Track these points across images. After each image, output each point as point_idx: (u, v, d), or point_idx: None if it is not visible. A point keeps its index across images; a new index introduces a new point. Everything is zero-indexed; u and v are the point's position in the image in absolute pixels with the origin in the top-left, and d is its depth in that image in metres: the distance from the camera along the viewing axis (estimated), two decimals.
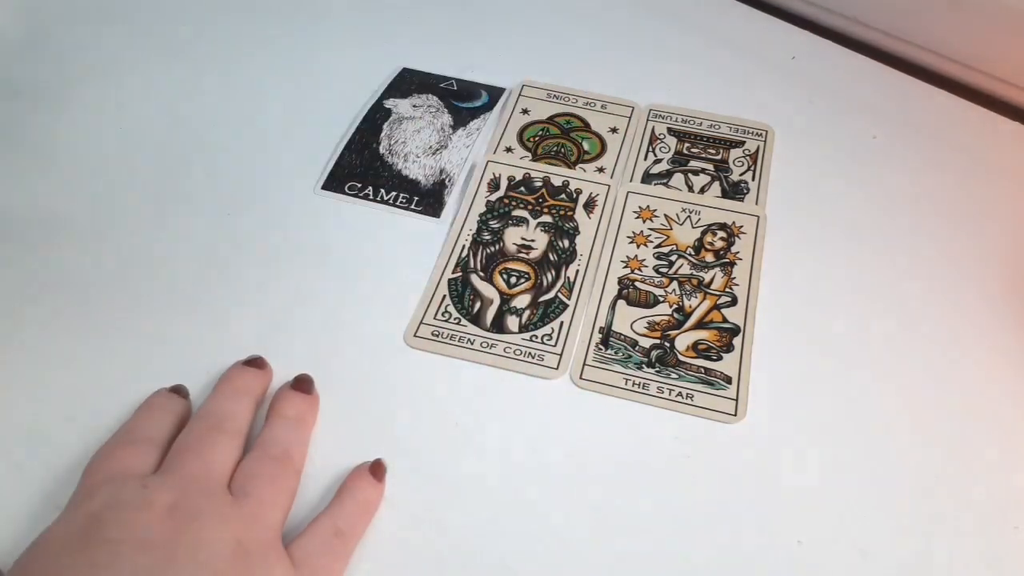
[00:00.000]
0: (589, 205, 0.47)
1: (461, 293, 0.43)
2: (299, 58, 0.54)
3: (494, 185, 0.47)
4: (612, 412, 0.39)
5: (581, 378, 0.40)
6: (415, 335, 0.41)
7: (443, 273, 0.43)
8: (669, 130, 0.51)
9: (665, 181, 0.48)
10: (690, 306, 0.42)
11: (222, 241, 0.44)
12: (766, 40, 0.56)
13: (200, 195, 0.46)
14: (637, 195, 0.47)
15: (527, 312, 0.42)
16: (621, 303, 0.42)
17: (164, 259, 0.43)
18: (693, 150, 0.50)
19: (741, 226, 0.46)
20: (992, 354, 0.41)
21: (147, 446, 0.34)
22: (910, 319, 0.42)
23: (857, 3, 0.55)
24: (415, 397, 0.39)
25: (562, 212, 0.46)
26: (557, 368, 0.40)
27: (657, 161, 0.49)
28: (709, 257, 0.44)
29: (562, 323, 0.41)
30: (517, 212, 0.46)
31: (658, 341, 0.41)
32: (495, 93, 0.52)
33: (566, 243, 0.45)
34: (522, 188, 0.47)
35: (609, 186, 0.47)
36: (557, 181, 0.48)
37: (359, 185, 0.47)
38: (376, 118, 0.51)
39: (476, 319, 0.41)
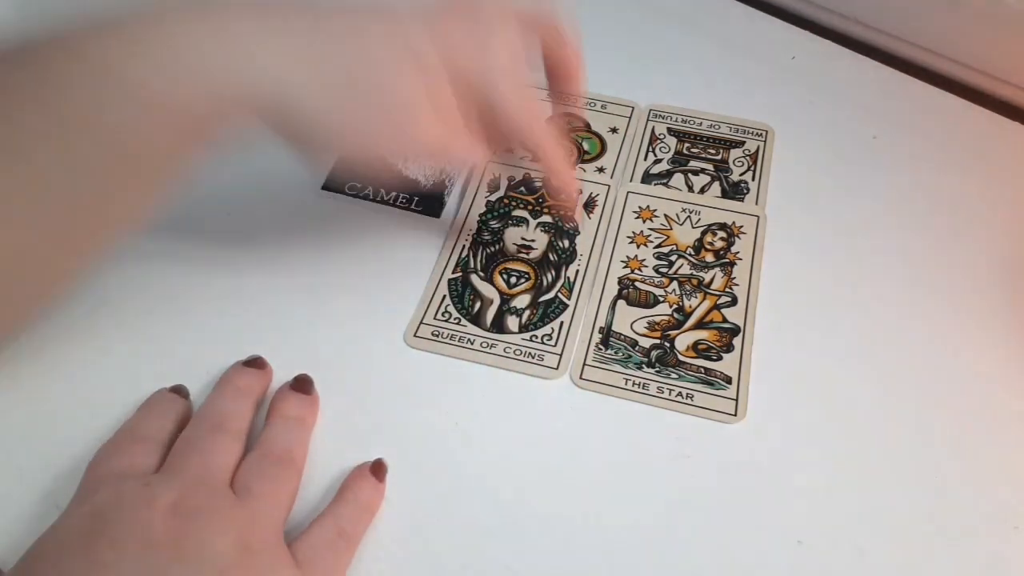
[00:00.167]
0: (589, 205, 0.47)
1: (461, 293, 0.43)
2: None
3: (494, 185, 0.47)
4: (612, 412, 0.39)
5: (581, 378, 0.40)
6: (415, 335, 0.41)
7: (443, 273, 0.43)
8: (669, 130, 0.51)
9: (665, 181, 0.48)
10: (690, 306, 0.42)
11: (222, 241, 0.44)
12: (766, 40, 0.56)
13: (200, 195, 0.46)
14: (637, 195, 0.47)
15: (527, 312, 0.42)
16: (621, 303, 0.42)
17: (164, 259, 0.43)
18: (693, 150, 0.50)
19: (741, 226, 0.46)
20: (992, 353, 0.41)
21: (149, 445, 0.34)
22: (910, 319, 0.42)
23: (857, 3, 0.55)
24: (415, 397, 0.39)
25: (562, 212, 0.46)
26: (557, 368, 0.40)
27: (657, 161, 0.49)
28: (709, 257, 0.44)
29: (562, 323, 0.41)
30: (517, 212, 0.46)
31: (658, 341, 0.41)
32: None
33: (566, 243, 0.45)
34: (522, 188, 0.47)
35: (609, 186, 0.47)
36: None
37: (359, 185, 0.47)
38: None
39: (476, 319, 0.42)
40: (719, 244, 0.45)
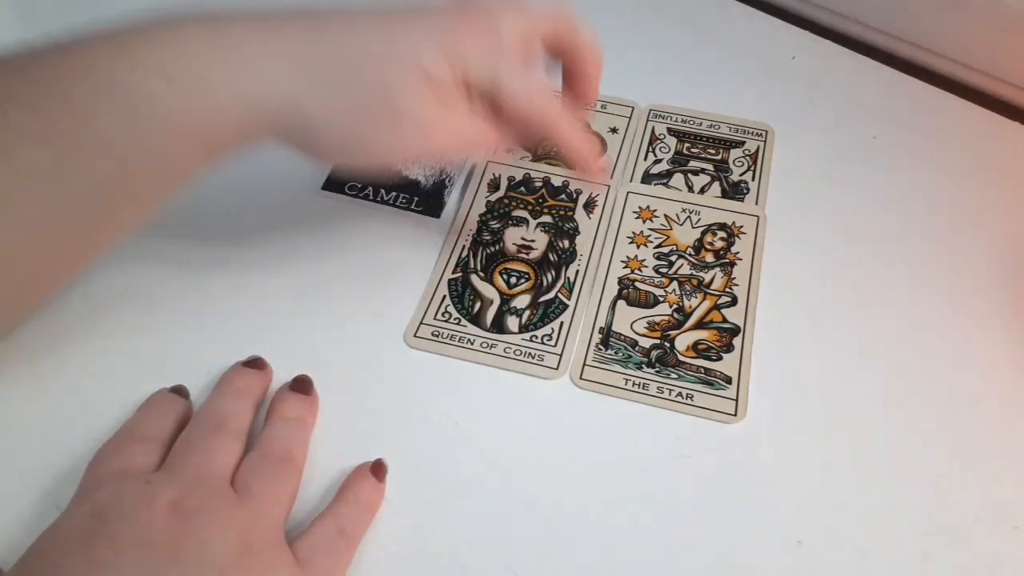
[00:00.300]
0: (589, 205, 0.47)
1: (461, 293, 0.43)
2: None
3: (494, 185, 0.47)
4: (612, 412, 0.39)
5: (581, 378, 0.40)
6: (415, 335, 0.41)
7: (443, 273, 0.43)
8: (669, 130, 0.51)
9: (665, 181, 0.48)
10: (690, 306, 0.42)
11: (222, 241, 0.44)
12: (766, 40, 0.56)
13: (200, 195, 0.46)
14: (637, 195, 0.47)
15: (527, 312, 0.42)
16: (621, 303, 0.42)
17: (164, 259, 0.43)
18: (693, 150, 0.50)
19: (741, 226, 0.46)
20: (992, 353, 0.41)
21: (149, 444, 0.34)
22: (910, 319, 0.42)
23: (857, 3, 0.55)
24: (415, 397, 0.39)
25: (562, 212, 0.46)
26: (557, 368, 0.40)
27: (657, 161, 0.49)
28: (709, 257, 0.44)
29: (562, 323, 0.41)
30: (517, 212, 0.46)
31: (658, 341, 0.41)
32: None
33: (566, 243, 0.45)
34: (522, 188, 0.47)
35: (609, 186, 0.47)
36: (557, 181, 0.48)
37: (359, 185, 0.47)
38: None
39: (476, 319, 0.42)
40: (719, 244, 0.45)
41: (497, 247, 0.45)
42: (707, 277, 0.43)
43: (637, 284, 0.43)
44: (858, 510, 0.36)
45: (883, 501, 0.36)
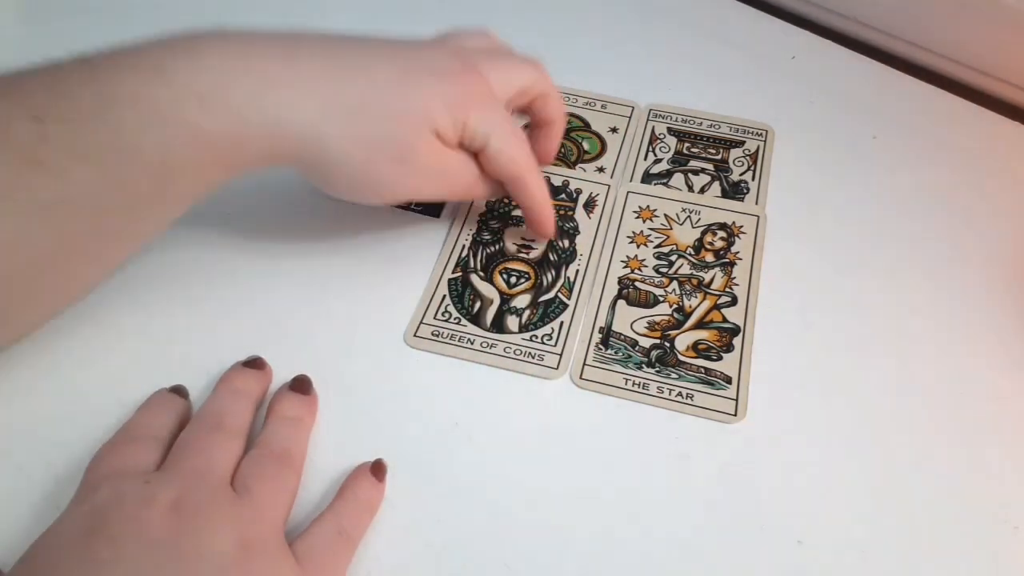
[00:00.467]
0: (589, 205, 0.47)
1: (461, 293, 0.43)
2: None
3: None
4: (612, 412, 0.39)
5: (581, 378, 0.40)
6: (415, 335, 0.41)
7: (443, 273, 0.43)
8: (669, 130, 0.51)
9: (665, 181, 0.48)
10: (690, 306, 0.42)
11: (221, 241, 0.44)
12: (766, 40, 0.56)
13: None
14: (637, 195, 0.47)
15: (527, 312, 0.42)
16: (621, 303, 0.42)
17: (164, 259, 0.43)
18: (693, 150, 0.50)
19: (741, 226, 0.46)
20: (992, 353, 0.41)
21: (149, 443, 0.34)
22: (910, 319, 0.42)
23: (857, 3, 0.55)
24: (415, 397, 0.39)
25: (562, 212, 0.46)
26: (557, 368, 0.40)
27: (657, 161, 0.49)
28: (709, 257, 0.44)
29: (562, 323, 0.41)
30: (517, 212, 0.46)
31: (658, 341, 0.41)
32: None
33: (566, 243, 0.45)
34: None
35: (609, 186, 0.48)
36: (557, 181, 0.48)
37: None
38: None
39: (476, 319, 0.42)
40: (719, 244, 0.45)
41: (497, 247, 0.45)
42: (707, 277, 0.43)
43: (637, 284, 0.43)
44: (858, 510, 0.36)
45: (883, 501, 0.36)
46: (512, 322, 0.41)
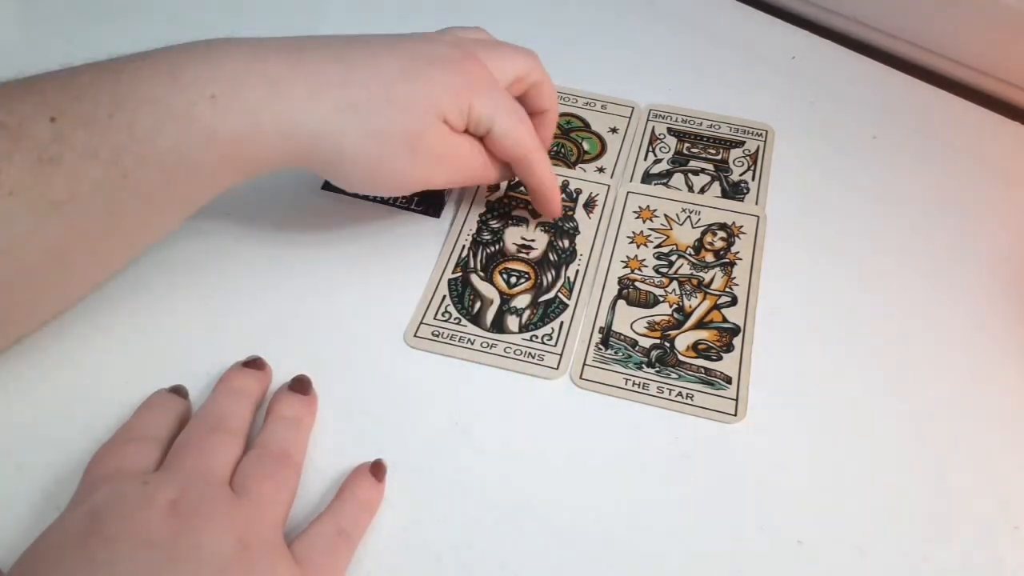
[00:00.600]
0: (589, 205, 0.47)
1: (461, 293, 0.43)
2: None
3: (494, 185, 0.47)
4: (612, 412, 0.39)
5: (581, 378, 0.40)
6: (415, 335, 0.41)
7: (443, 273, 0.43)
8: (669, 130, 0.51)
9: (665, 181, 0.48)
10: (690, 306, 0.42)
11: (222, 241, 0.44)
12: (766, 40, 0.56)
13: None
14: (637, 195, 0.47)
15: (527, 312, 0.42)
16: (621, 303, 0.42)
17: (164, 259, 0.43)
18: (693, 150, 0.50)
19: (741, 226, 0.46)
20: (992, 353, 0.41)
21: (148, 444, 0.34)
22: (910, 319, 0.42)
23: (857, 3, 0.55)
24: (415, 397, 0.39)
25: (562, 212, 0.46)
26: (557, 368, 0.40)
27: (657, 161, 0.49)
28: (709, 257, 0.44)
29: (562, 323, 0.41)
30: (517, 212, 0.46)
31: (658, 341, 0.41)
32: None
33: (566, 243, 0.45)
34: (522, 188, 0.47)
35: (609, 186, 0.47)
36: (557, 181, 0.48)
37: None
38: None
39: (476, 319, 0.41)
40: (719, 244, 0.45)
41: (497, 247, 0.45)
42: (707, 277, 0.43)
43: (637, 284, 0.43)
44: (858, 510, 0.36)
45: (883, 501, 0.36)
46: (512, 322, 0.41)
